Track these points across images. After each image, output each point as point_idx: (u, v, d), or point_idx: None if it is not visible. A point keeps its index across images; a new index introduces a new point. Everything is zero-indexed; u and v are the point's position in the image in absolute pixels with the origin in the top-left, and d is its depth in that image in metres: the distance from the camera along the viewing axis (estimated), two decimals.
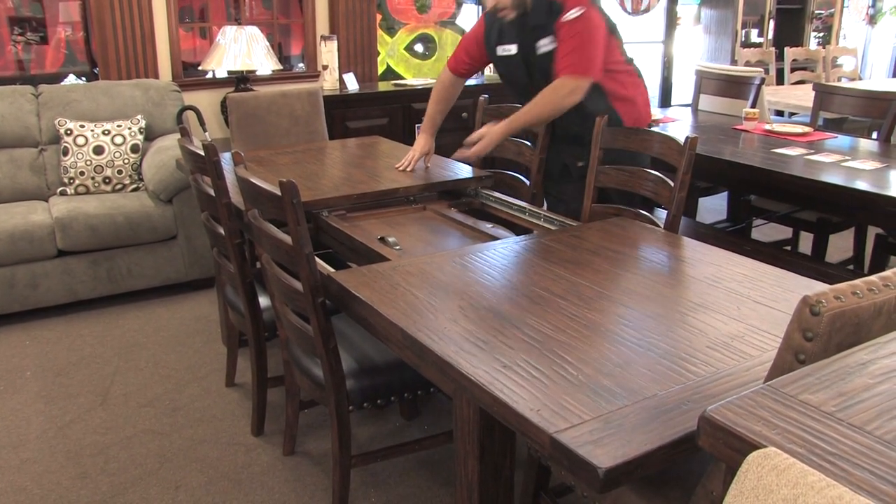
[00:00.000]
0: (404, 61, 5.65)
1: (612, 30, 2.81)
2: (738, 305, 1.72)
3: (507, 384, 1.37)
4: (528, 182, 2.99)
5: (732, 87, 4.35)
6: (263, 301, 2.53)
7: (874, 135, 4.28)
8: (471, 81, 5.46)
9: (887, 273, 1.13)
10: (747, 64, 6.01)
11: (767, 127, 3.79)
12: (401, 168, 2.96)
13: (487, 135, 2.71)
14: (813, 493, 0.73)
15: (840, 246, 4.33)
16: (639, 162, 2.68)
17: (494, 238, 2.24)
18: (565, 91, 2.63)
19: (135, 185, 3.88)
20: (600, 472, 1.13)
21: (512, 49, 2.85)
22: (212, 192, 2.40)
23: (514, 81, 2.97)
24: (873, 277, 1.11)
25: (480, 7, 2.84)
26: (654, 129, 3.04)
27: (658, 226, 2.36)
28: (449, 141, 5.12)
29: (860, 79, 6.90)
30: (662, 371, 1.42)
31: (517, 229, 2.45)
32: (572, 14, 2.65)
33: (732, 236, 3.53)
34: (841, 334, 1.07)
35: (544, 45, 2.74)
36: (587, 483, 1.15)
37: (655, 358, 1.47)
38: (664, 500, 1.49)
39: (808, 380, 1.00)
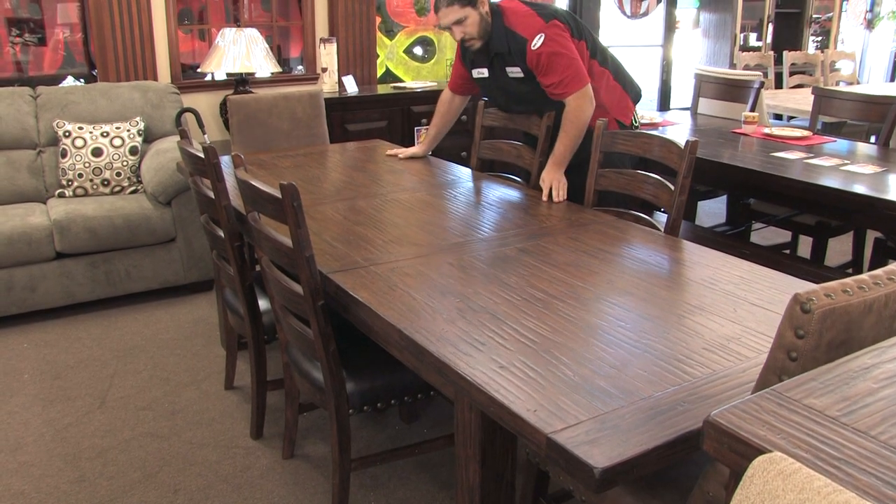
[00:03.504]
0: (403, 64, 5.66)
1: (576, 34, 2.86)
2: (735, 307, 1.72)
3: (505, 385, 1.37)
4: (528, 185, 2.99)
5: (731, 90, 4.35)
6: (263, 304, 2.53)
7: (872, 139, 4.29)
8: None
9: (877, 272, 1.13)
10: (746, 67, 6.02)
11: (766, 130, 3.80)
12: (391, 152, 3.30)
13: (556, 183, 2.70)
14: (819, 499, 0.72)
15: (839, 250, 4.34)
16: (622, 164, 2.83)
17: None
18: (579, 110, 2.75)
19: (133, 188, 3.87)
20: (596, 472, 1.13)
21: (484, 72, 3.01)
22: (211, 195, 2.40)
23: (492, 97, 3.16)
24: (864, 276, 1.12)
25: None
26: (654, 132, 3.06)
27: (658, 229, 2.36)
28: (449, 144, 5.12)
29: (858, 83, 6.91)
30: (659, 372, 1.42)
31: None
32: (537, 42, 2.74)
33: (731, 240, 3.53)
34: (832, 332, 1.08)
35: (513, 72, 2.89)
36: (583, 483, 1.15)
37: (652, 359, 1.47)
38: (661, 502, 1.49)
39: (811, 384, 1.00)
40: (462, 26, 2.78)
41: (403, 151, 3.29)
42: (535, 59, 2.75)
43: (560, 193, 2.67)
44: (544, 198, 2.68)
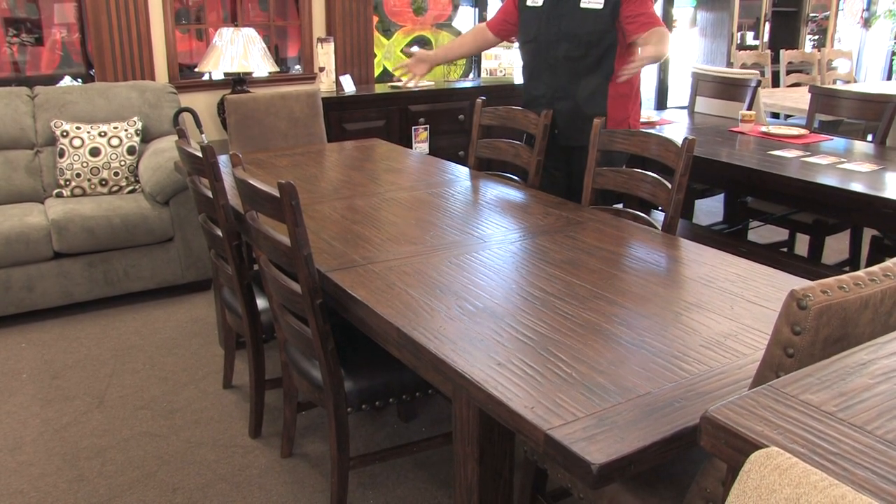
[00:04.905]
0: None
1: None
2: (732, 305, 1.73)
3: (503, 382, 1.37)
4: (525, 183, 2.99)
5: (729, 89, 4.36)
6: (261, 303, 2.53)
7: (869, 137, 4.30)
8: (467, 83, 5.48)
9: (874, 268, 1.14)
10: (743, 66, 6.03)
11: (763, 129, 3.81)
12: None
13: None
14: (816, 493, 0.73)
15: (836, 248, 4.34)
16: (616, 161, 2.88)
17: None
18: (666, 34, 2.81)
19: (131, 187, 3.87)
20: (594, 469, 1.14)
21: (539, 1, 3.01)
22: (209, 194, 2.40)
23: (529, 32, 3.10)
24: (859, 272, 1.12)
25: None
26: (651, 130, 3.07)
27: (655, 227, 2.37)
28: (447, 143, 5.14)
29: (855, 81, 6.92)
30: (656, 369, 1.42)
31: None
32: None
33: (729, 238, 3.54)
34: (828, 328, 1.08)
35: (590, 1, 2.88)
36: (581, 479, 1.16)
37: (649, 356, 1.48)
38: (659, 499, 1.49)
39: (808, 380, 1.00)
40: None
41: (405, 65, 3.32)
42: None
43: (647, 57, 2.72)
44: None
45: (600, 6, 2.85)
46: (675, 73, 7.07)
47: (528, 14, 3.07)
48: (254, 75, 4.68)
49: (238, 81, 4.55)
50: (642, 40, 2.80)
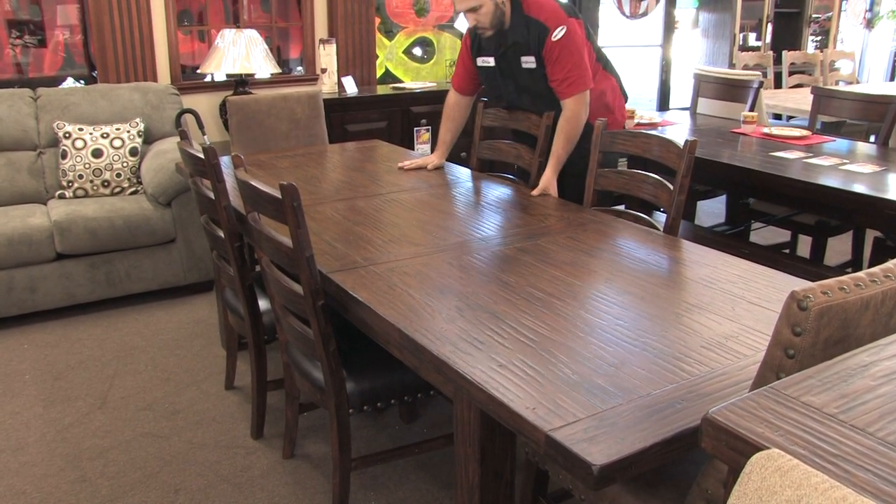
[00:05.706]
0: (403, 64, 5.66)
1: (588, 35, 2.90)
2: (733, 306, 1.72)
3: (504, 383, 1.38)
4: (527, 185, 2.99)
5: (731, 90, 4.36)
6: (263, 304, 2.53)
7: (872, 138, 4.29)
8: None
9: (874, 269, 1.14)
10: (745, 67, 6.02)
11: (766, 130, 3.80)
12: (401, 165, 3.10)
13: (548, 188, 2.75)
14: (817, 495, 0.73)
15: (839, 249, 4.34)
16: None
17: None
18: (576, 114, 2.78)
19: (133, 189, 3.87)
20: (595, 470, 1.14)
21: (490, 61, 2.99)
22: (211, 195, 2.40)
23: (493, 88, 3.12)
24: (860, 273, 1.12)
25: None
26: (653, 132, 3.07)
27: (657, 229, 2.36)
28: None
29: (858, 82, 6.91)
30: (657, 370, 1.42)
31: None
32: (559, 34, 2.74)
33: (731, 239, 3.53)
34: (829, 329, 1.08)
35: (527, 61, 2.86)
36: (582, 480, 1.16)
37: (650, 357, 1.48)
38: (660, 500, 1.49)
39: (810, 382, 1.00)
40: (476, 14, 2.76)
41: (414, 162, 3.11)
42: (551, 49, 2.75)
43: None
44: (534, 192, 2.73)
45: (534, 65, 2.84)
46: (677, 75, 7.07)
47: (485, 73, 3.05)
48: (256, 77, 4.69)
49: (240, 83, 4.56)
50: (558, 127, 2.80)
